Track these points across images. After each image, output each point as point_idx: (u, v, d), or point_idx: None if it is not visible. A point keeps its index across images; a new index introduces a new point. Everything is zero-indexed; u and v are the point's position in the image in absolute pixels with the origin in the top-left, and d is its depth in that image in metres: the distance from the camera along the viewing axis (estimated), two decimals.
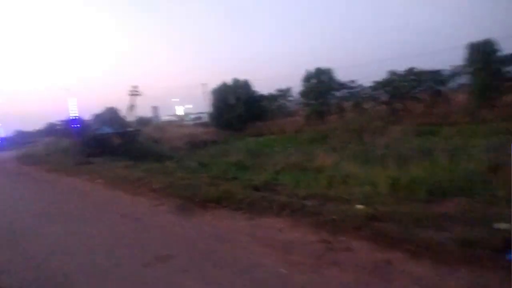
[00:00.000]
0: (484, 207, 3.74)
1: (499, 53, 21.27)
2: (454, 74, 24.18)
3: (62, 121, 34.18)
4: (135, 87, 40.06)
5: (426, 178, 4.94)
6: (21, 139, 55.75)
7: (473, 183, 4.81)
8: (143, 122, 55.16)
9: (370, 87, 28.56)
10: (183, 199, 5.70)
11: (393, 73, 26.82)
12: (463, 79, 24.04)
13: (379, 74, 28.15)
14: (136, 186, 7.50)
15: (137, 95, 40.13)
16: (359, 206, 4.06)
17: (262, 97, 38.24)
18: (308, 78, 33.74)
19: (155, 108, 58.74)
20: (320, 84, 31.67)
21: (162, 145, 29.74)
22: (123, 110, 42.91)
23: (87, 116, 36.05)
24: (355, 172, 8.87)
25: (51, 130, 40.67)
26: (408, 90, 26.24)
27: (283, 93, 37.30)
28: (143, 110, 55.87)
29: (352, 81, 30.02)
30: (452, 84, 25.00)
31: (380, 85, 27.60)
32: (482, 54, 21.39)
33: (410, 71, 26.04)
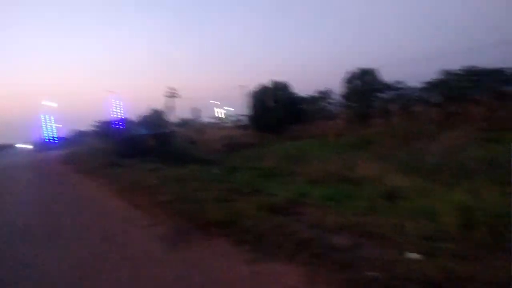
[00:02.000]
0: None
1: None
2: None
3: (102, 122, 35.48)
4: (173, 89, 40.78)
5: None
6: (75, 138, 59.33)
7: None
8: (183, 123, 56.26)
9: (420, 88, 25.86)
10: (185, 219, 4.66)
11: (447, 73, 23.93)
12: None
13: (428, 73, 25.44)
14: (144, 195, 6.67)
15: (174, 97, 40.80)
16: (414, 256, 2.65)
17: (301, 99, 36.79)
18: (350, 79, 31.78)
19: (195, 110, 59.58)
20: (363, 86, 29.50)
21: (198, 147, 29.51)
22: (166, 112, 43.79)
23: (134, 117, 37.05)
24: (404, 187, 7.35)
25: (101, 130, 42.43)
26: (465, 92, 23.19)
27: (324, 95, 35.62)
28: (185, 112, 56.91)
29: (399, 82, 27.51)
30: None
31: (432, 86, 24.80)
32: None
33: (469, 70, 22.98)
